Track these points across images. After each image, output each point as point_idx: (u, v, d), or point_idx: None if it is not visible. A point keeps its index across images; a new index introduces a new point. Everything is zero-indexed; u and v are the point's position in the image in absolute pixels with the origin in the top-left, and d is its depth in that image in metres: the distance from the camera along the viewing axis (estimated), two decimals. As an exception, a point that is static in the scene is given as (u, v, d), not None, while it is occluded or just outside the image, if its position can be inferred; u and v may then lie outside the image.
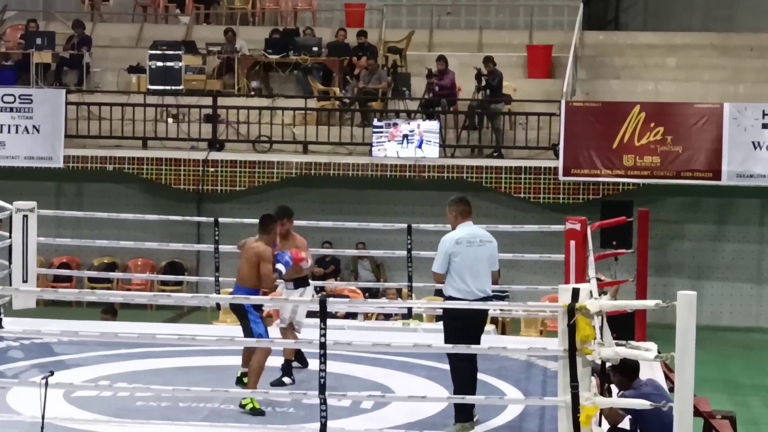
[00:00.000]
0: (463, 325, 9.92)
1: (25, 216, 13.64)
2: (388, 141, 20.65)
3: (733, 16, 25.26)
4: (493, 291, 10.20)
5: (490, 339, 12.65)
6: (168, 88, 21.81)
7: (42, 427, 8.85)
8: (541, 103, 21.14)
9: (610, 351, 8.87)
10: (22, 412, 10.15)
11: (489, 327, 13.05)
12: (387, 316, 16.25)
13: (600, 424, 9.39)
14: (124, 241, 17.01)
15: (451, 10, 25.78)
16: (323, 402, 9.40)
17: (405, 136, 20.62)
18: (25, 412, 10.04)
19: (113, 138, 21.52)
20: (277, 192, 21.26)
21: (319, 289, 14.47)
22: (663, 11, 25.78)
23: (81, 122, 21.64)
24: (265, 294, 10.73)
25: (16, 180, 21.25)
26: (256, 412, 10.34)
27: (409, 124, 20.78)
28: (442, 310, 10.35)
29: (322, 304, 9.36)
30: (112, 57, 23.53)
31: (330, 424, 9.49)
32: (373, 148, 20.74)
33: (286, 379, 11.36)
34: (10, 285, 13.43)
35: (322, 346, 9.32)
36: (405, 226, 14.42)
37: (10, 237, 13.62)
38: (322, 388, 9.36)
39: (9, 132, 21.11)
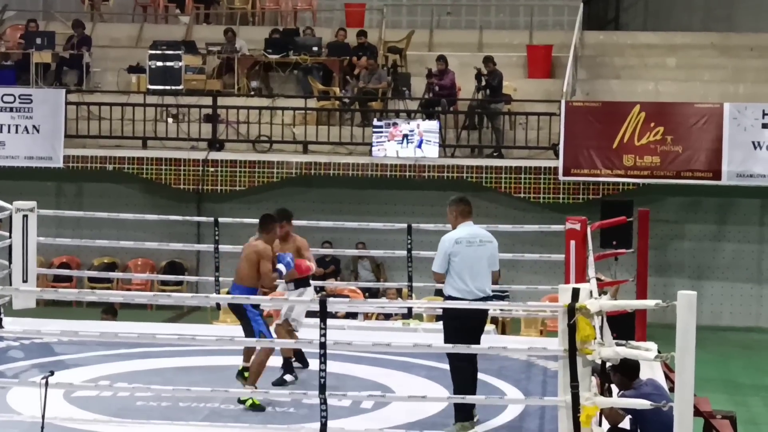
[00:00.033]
0: (462, 325, 9.92)
1: (25, 216, 13.63)
2: (388, 141, 20.64)
3: (733, 16, 25.25)
4: (493, 291, 10.21)
5: (490, 339, 12.65)
6: (168, 88, 21.80)
7: (42, 427, 8.84)
8: (541, 103, 21.12)
9: (611, 351, 8.86)
10: (22, 412, 10.15)
11: (489, 327, 13.05)
12: (387, 316, 16.24)
13: (600, 424, 9.38)
14: (124, 241, 16.99)
15: (451, 10, 25.76)
16: (323, 402, 9.40)
17: (405, 136, 20.61)
18: (25, 412, 10.04)
19: (113, 138, 21.51)
20: (277, 192, 21.26)
21: (319, 289, 14.46)
22: (663, 11, 25.76)
23: (81, 122, 21.63)
24: (264, 293, 10.72)
25: (16, 180, 21.25)
26: (256, 408, 10.35)
27: (409, 124, 20.76)
28: (442, 310, 10.35)
29: (322, 304, 9.36)
30: (112, 57, 23.52)
31: (330, 423, 9.49)
32: (373, 148, 20.72)
33: (287, 377, 11.36)
34: (10, 285, 13.43)
35: (323, 345, 9.31)
36: (405, 226, 14.42)
37: (10, 237, 13.62)
38: (323, 388, 9.36)
39: (9, 132, 21.10)
